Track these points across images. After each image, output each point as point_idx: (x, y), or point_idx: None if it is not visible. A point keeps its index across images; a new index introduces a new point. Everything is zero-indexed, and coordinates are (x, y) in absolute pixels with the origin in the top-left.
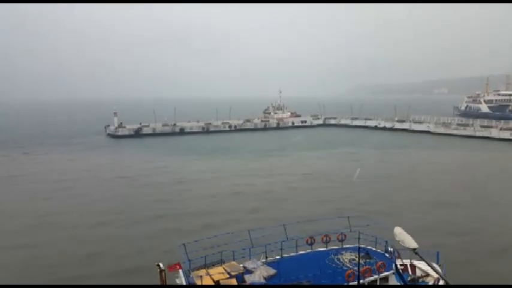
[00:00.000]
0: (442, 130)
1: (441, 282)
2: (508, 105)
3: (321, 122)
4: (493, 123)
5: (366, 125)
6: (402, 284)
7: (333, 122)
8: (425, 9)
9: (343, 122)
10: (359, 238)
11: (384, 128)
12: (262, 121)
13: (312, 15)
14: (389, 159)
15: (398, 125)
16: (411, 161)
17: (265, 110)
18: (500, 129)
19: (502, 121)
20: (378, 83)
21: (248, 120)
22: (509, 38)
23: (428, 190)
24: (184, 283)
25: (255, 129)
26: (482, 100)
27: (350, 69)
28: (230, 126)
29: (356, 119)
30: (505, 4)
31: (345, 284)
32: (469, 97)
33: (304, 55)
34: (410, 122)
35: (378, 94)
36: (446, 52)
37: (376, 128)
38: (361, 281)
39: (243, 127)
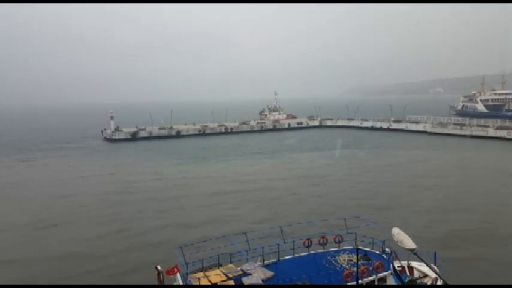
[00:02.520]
0: (438, 130)
1: (439, 283)
2: (504, 105)
3: (317, 123)
4: (490, 122)
5: (362, 125)
6: (400, 284)
7: (329, 123)
8: (420, 9)
9: (339, 123)
10: (356, 239)
11: (380, 129)
12: (258, 123)
13: (308, 16)
14: (384, 161)
15: (394, 125)
16: (408, 163)
17: (261, 111)
18: (497, 128)
19: (498, 120)
20: (374, 84)
21: (244, 123)
22: (506, 38)
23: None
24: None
25: (251, 131)
26: (478, 99)
27: (346, 70)
28: (226, 129)
29: (352, 119)
30: (502, 4)
31: (343, 284)
32: (465, 96)
33: (299, 56)
34: (406, 122)
35: (374, 95)
36: (442, 52)
37: (372, 128)
38: (359, 282)
39: (239, 129)
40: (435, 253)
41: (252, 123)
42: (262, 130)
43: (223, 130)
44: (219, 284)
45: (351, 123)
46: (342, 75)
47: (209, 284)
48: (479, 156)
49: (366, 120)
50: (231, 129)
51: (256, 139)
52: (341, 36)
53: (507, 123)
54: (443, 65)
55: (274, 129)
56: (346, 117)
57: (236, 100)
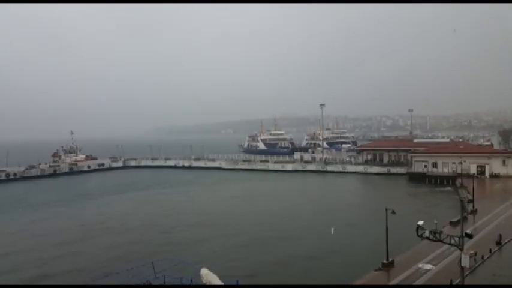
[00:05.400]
0: (231, 166)
1: None
2: (278, 143)
3: (120, 164)
4: (269, 157)
5: (167, 164)
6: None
7: (133, 163)
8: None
9: (144, 163)
10: (165, 283)
11: (183, 167)
12: (50, 166)
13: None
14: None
15: (195, 163)
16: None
17: (54, 153)
18: (274, 162)
19: (275, 156)
20: (174, 125)
21: (33, 166)
22: (268, 88)
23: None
24: None
25: (42, 176)
26: (259, 139)
27: (147, 111)
28: (8, 175)
29: (156, 159)
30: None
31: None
32: (249, 136)
33: (99, 96)
34: (205, 160)
35: (175, 135)
36: (229, 97)
37: (175, 167)
38: None
39: (26, 175)
40: (237, 281)
41: (43, 166)
42: (56, 174)
43: (4, 177)
44: None
45: (156, 163)
46: (143, 115)
47: None
48: (260, 185)
49: (170, 159)
50: (15, 174)
51: (47, 185)
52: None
53: (281, 158)
54: (232, 108)
55: (71, 173)
56: (150, 156)
57: (17, 141)
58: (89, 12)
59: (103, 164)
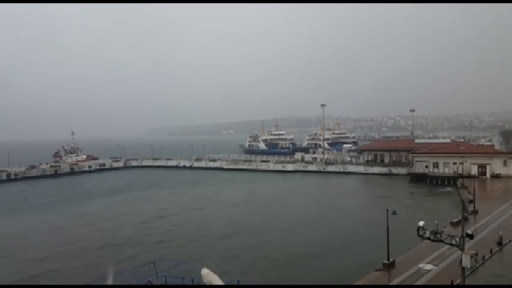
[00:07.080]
0: (232, 166)
1: None
2: (278, 143)
3: (121, 164)
4: (270, 158)
5: (168, 165)
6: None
7: (134, 163)
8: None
9: (145, 163)
10: (166, 283)
11: (184, 167)
12: (51, 166)
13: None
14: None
15: (196, 164)
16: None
17: (55, 153)
18: (275, 163)
19: (276, 156)
20: (175, 125)
21: (33, 167)
22: (269, 89)
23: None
24: None
25: (43, 177)
26: (260, 139)
27: (148, 111)
28: (9, 175)
29: (157, 159)
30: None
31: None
32: (250, 137)
33: (100, 96)
34: (206, 160)
35: (176, 135)
36: (231, 97)
37: (177, 167)
38: None
39: (26, 175)
40: (238, 281)
41: (44, 166)
42: (57, 174)
43: (5, 177)
44: None
45: (157, 163)
46: (145, 116)
47: None
48: (261, 185)
49: (171, 159)
50: (16, 175)
51: (47, 186)
52: (143, 84)
53: (282, 158)
54: (233, 110)
55: (72, 173)
56: (151, 157)
57: (18, 142)
58: (89, 12)
59: (104, 164)
